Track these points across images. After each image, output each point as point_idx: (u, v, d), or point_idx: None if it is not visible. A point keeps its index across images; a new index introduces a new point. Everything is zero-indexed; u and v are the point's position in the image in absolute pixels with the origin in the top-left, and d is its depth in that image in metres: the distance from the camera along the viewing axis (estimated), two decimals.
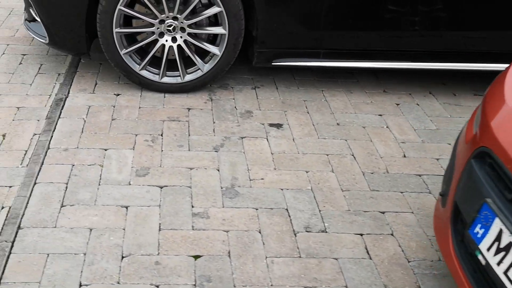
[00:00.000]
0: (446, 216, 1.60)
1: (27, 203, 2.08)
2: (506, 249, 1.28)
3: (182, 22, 2.71)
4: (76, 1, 2.64)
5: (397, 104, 2.93)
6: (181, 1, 2.64)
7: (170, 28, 2.73)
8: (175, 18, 2.70)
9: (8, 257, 1.83)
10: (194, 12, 2.74)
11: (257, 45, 2.79)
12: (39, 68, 3.11)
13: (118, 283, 1.76)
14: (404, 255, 1.92)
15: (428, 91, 3.08)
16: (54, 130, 2.53)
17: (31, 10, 2.96)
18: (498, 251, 1.30)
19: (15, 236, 1.91)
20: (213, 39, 2.85)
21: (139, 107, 2.77)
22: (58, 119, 2.62)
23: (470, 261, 1.44)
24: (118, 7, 2.62)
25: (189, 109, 2.78)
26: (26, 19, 3.04)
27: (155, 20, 2.71)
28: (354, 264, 1.87)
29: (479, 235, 1.37)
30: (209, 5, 2.71)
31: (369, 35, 2.82)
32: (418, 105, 2.94)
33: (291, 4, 2.69)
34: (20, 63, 3.14)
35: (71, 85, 2.94)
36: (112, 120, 2.65)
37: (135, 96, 2.87)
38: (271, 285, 1.78)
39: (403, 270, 1.85)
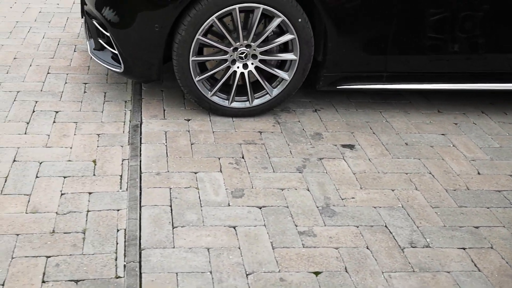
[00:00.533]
0: None
1: (140, 225, 2.14)
2: None
3: (254, 49, 2.82)
4: (156, 34, 2.73)
5: (455, 124, 3.08)
6: (256, 31, 2.74)
7: (242, 55, 2.83)
8: (247, 46, 2.81)
9: (140, 276, 1.89)
10: (266, 40, 2.85)
11: (324, 69, 2.92)
12: (104, 96, 3.18)
13: None
14: (510, 267, 2.03)
15: (481, 110, 3.24)
16: (140, 155, 2.60)
17: (99, 40, 3.05)
18: None
19: (140, 257, 1.98)
20: (280, 64, 2.97)
21: (213, 131, 2.87)
22: (140, 145, 2.70)
23: None
24: (197, 36, 2.73)
25: (260, 132, 2.89)
26: (94, 49, 3.11)
27: (229, 48, 2.81)
28: (467, 277, 1.98)
29: None
30: (281, 33, 2.83)
31: (430, 58, 2.97)
32: (475, 124, 3.09)
33: (361, 32, 2.83)
34: (85, 92, 3.22)
35: (141, 112, 3.01)
36: (192, 144, 2.74)
37: (205, 121, 2.96)
38: None
39: None
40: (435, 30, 2.88)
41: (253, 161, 2.62)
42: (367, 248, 2.10)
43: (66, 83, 3.31)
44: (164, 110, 3.06)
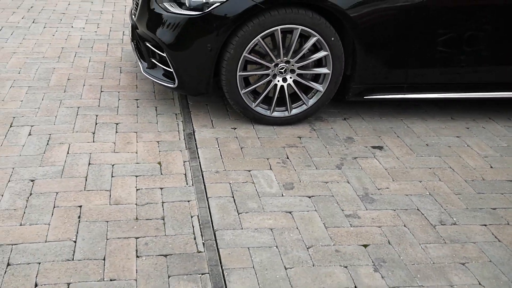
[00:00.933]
0: None
1: (210, 212, 2.55)
2: None
3: (293, 65, 3.26)
4: (208, 54, 3.15)
5: (467, 128, 3.50)
6: (294, 49, 3.20)
7: (282, 70, 3.27)
8: (287, 62, 3.25)
9: (218, 251, 2.29)
10: (302, 56, 3.29)
11: (353, 82, 3.35)
12: (156, 110, 3.60)
13: (313, 265, 2.23)
14: None
15: (488, 117, 3.68)
16: (199, 158, 3.02)
17: (152, 59, 3.49)
18: None
19: (215, 236, 2.38)
20: (314, 78, 3.40)
21: (258, 137, 3.28)
22: (197, 149, 3.11)
23: None
24: (244, 54, 3.16)
25: (299, 137, 3.31)
26: (146, 68, 3.54)
27: (271, 64, 3.25)
28: (490, 246, 2.38)
29: None
30: (315, 50, 3.28)
31: (443, 71, 3.42)
32: (484, 128, 3.52)
33: (385, 49, 3.28)
34: (138, 106, 3.64)
35: (192, 122, 3.43)
36: (241, 148, 3.15)
37: (250, 129, 3.38)
38: (433, 262, 2.27)
39: None
40: (447, 47, 3.32)
41: (297, 161, 3.03)
42: (405, 226, 2.50)
43: (119, 99, 3.73)
44: (212, 121, 3.47)
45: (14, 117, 3.36)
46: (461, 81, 3.48)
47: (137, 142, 3.17)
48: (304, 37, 3.23)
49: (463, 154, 3.16)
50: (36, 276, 2.10)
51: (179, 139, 3.23)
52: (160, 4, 3.27)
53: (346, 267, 2.21)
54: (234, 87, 3.25)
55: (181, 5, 3.24)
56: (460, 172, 2.97)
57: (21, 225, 2.39)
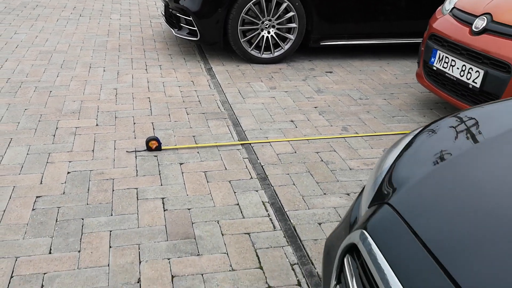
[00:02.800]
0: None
1: (226, 98, 4.42)
2: None
3: (273, 23, 5.17)
4: (219, 16, 5.04)
5: (387, 63, 5.42)
6: (274, 11, 5.07)
7: (267, 26, 5.17)
8: (269, 20, 5.15)
9: (233, 110, 4.15)
10: (279, 17, 5.20)
11: (312, 34, 5.25)
12: (184, 59, 5.48)
13: (285, 114, 4.11)
14: None
15: (402, 57, 5.60)
16: (216, 78, 4.89)
17: (181, 24, 5.38)
18: None
19: (230, 106, 4.25)
20: (288, 31, 5.31)
21: (253, 69, 5.16)
22: (215, 75, 4.98)
23: None
24: (242, 14, 5.07)
25: (280, 69, 5.19)
26: (175, 29, 5.43)
27: (259, 21, 5.16)
28: (384, 106, 4.28)
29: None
30: (286, 12, 5.19)
31: (370, 25, 5.34)
32: (398, 62, 5.43)
33: (331, 12, 5.20)
34: (171, 58, 5.51)
35: (209, 63, 5.32)
36: (243, 74, 5.02)
37: (247, 66, 5.25)
38: (351, 112, 4.16)
39: None
40: (371, 10, 5.25)
41: (278, 78, 4.91)
42: (339, 100, 4.39)
43: (158, 55, 5.59)
44: (222, 62, 5.35)
45: (90, 64, 5.22)
46: (382, 31, 5.39)
47: (175, 73, 5.03)
48: (279, 4, 5.13)
49: (381, 74, 5.06)
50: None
51: (202, 71, 5.09)
52: None
53: (304, 114, 4.07)
54: (236, 38, 5.13)
55: None
56: (377, 81, 4.86)
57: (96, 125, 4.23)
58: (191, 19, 5.13)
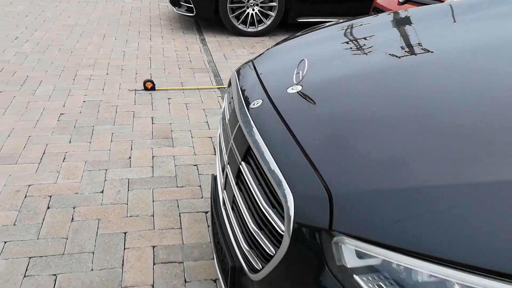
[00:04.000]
0: None
1: (213, 59, 5.49)
2: None
3: (257, 1, 6.22)
4: None
5: None
6: None
7: (251, 4, 6.21)
8: (254, 0, 6.20)
9: (216, 67, 5.21)
10: None
11: (290, 12, 6.29)
12: (183, 33, 6.55)
13: None
14: None
15: None
16: (207, 46, 5.95)
17: (181, 2, 6.46)
18: None
19: (215, 65, 5.31)
20: (269, 9, 6.35)
21: (240, 41, 6.21)
22: (206, 44, 6.05)
23: None
24: None
25: (262, 40, 6.23)
26: (176, 7, 6.51)
27: (245, 1, 6.21)
28: None
29: None
30: None
31: (339, 5, 6.36)
32: None
33: None
34: (172, 31, 6.58)
35: (203, 35, 6.38)
36: (230, 43, 6.07)
37: (235, 38, 6.30)
38: None
39: None
40: None
41: (259, 47, 5.93)
42: None
43: (161, 29, 6.67)
44: (214, 35, 6.42)
45: (104, 34, 6.30)
46: (349, 10, 6.40)
47: (174, 41, 6.10)
48: None
49: None
50: None
51: (197, 40, 6.16)
52: None
53: None
54: (226, 14, 6.19)
55: None
56: None
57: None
58: None
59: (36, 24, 6.47)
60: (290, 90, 1.64)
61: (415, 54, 1.74)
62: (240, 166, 1.56)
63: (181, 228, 2.55)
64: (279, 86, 1.69)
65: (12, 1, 7.70)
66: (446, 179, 1.08)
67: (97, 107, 3.96)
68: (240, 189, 1.56)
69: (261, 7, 6.12)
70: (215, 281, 2.21)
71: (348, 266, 1.12)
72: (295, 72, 1.73)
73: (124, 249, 2.39)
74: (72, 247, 2.38)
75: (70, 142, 3.38)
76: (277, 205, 1.31)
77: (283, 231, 1.24)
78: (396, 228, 1.04)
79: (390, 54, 1.76)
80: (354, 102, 1.45)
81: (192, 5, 6.13)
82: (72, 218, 2.59)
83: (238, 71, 2.03)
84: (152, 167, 3.10)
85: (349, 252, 1.12)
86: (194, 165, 3.14)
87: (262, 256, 1.39)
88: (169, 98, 4.20)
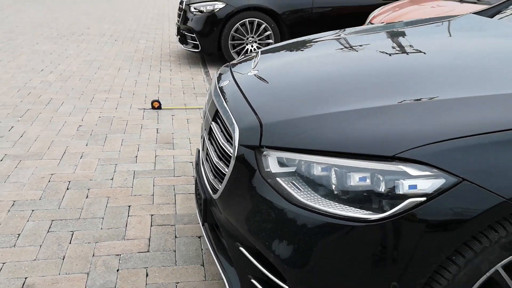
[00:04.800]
0: None
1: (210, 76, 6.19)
2: None
3: (255, 39, 6.97)
4: (215, 33, 6.87)
5: None
6: (255, 30, 6.88)
7: (250, 41, 6.96)
8: (252, 37, 6.96)
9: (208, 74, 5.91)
10: (260, 34, 7.00)
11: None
12: (190, 66, 7.31)
13: None
14: None
15: None
16: (210, 76, 6.68)
17: (188, 40, 7.24)
18: None
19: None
20: (266, 45, 7.07)
21: None
22: (210, 74, 6.78)
23: None
24: (231, 32, 6.90)
25: None
26: (184, 44, 7.29)
27: (245, 38, 6.97)
28: None
29: None
30: (265, 31, 6.99)
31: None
32: None
33: (298, 32, 6.98)
34: (179, 64, 7.35)
35: (207, 68, 7.13)
36: None
37: None
38: None
39: None
40: (326, 26, 7.02)
41: None
42: None
43: (170, 63, 7.45)
44: (217, 67, 7.15)
45: (119, 67, 7.07)
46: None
47: (181, 73, 6.82)
48: (259, 24, 6.94)
49: None
50: None
51: (201, 72, 6.88)
52: (192, 12, 7.06)
53: None
54: (228, 49, 6.94)
55: (201, 12, 7.02)
56: None
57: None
58: (195, 36, 6.98)
59: (59, 59, 7.27)
60: (249, 73, 2.28)
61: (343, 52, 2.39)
62: (211, 125, 2.18)
63: (175, 204, 3.15)
64: (242, 71, 2.34)
65: (38, 42, 8.57)
66: (334, 108, 1.71)
67: (110, 121, 4.63)
68: (211, 143, 2.17)
69: (258, 43, 6.86)
70: (199, 237, 2.79)
71: (273, 171, 1.72)
72: (253, 62, 2.39)
73: (128, 216, 2.98)
74: (86, 214, 2.99)
75: (86, 145, 4.03)
76: (230, 139, 1.93)
77: (231, 153, 1.85)
78: (300, 138, 1.65)
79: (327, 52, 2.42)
80: (290, 74, 2.11)
81: (198, 42, 6.89)
82: (87, 196, 3.20)
83: (219, 70, 2.69)
84: (155, 163, 3.72)
85: (273, 161, 1.72)
86: (190, 162, 3.76)
87: (220, 178, 1.99)
88: (172, 115, 4.86)
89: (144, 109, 5.02)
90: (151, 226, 2.88)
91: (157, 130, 4.41)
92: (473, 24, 2.71)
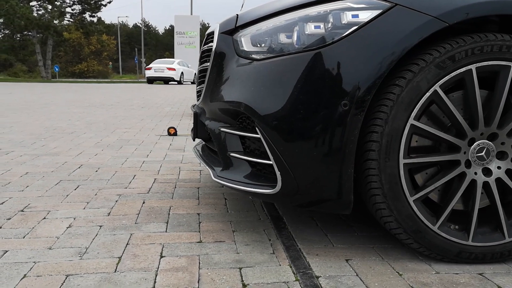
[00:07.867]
0: None
1: None
2: None
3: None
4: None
5: None
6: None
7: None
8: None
9: None
10: None
11: None
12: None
13: None
14: None
15: None
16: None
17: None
18: None
19: None
20: None
21: None
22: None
23: None
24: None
25: None
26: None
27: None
28: None
29: None
30: None
31: None
32: None
33: None
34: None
35: None
36: None
37: None
38: None
39: None
40: None
41: None
42: None
43: (190, 118, 7.87)
44: None
45: (142, 119, 7.49)
46: None
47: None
48: None
49: None
50: None
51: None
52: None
53: None
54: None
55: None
56: None
57: None
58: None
59: (87, 115, 7.78)
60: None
61: None
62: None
63: (178, 174, 3.33)
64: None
65: (70, 107, 9.19)
66: None
67: (128, 141, 4.92)
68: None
69: None
70: (198, 188, 2.94)
71: (247, 49, 1.97)
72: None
73: (133, 179, 3.17)
74: (94, 177, 3.18)
75: (102, 150, 4.30)
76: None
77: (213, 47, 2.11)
78: (259, 13, 1.97)
79: None
80: None
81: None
82: (96, 170, 3.42)
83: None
84: (164, 158, 3.95)
85: (247, 40, 1.98)
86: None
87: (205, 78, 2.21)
88: (186, 139, 5.14)
89: (160, 135, 5.31)
90: (153, 183, 3.05)
91: (170, 145, 4.67)
92: None
